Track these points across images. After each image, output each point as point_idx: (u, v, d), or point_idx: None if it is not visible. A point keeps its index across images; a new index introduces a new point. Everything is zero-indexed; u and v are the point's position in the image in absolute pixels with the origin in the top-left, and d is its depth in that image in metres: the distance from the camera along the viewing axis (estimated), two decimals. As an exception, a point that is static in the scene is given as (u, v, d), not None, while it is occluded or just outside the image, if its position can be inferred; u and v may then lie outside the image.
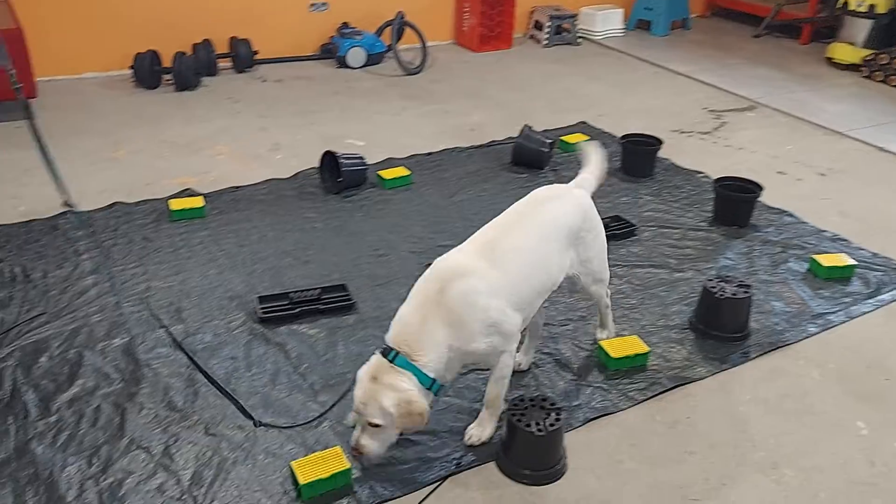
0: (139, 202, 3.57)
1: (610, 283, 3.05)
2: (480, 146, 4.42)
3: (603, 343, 2.61)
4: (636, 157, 4.07)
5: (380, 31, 5.89)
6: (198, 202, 3.53)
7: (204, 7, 5.40)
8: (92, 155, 4.07)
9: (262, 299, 2.84)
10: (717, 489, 2.10)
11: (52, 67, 5.06)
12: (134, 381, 2.44)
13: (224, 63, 5.48)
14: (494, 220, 2.30)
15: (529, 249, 2.19)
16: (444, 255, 2.16)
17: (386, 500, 2.04)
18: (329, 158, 3.82)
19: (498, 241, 2.18)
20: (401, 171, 3.93)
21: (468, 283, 2.05)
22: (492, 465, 2.16)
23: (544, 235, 2.25)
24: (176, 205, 3.49)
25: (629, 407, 2.41)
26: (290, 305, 2.83)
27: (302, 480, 2.02)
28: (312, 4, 5.83)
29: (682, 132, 4.71)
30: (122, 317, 2.76)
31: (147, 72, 5.06)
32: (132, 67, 5.08)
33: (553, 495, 2.06)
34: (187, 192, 3.67)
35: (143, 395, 2.39)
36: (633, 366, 2.58)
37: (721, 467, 2.18)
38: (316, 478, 2.03)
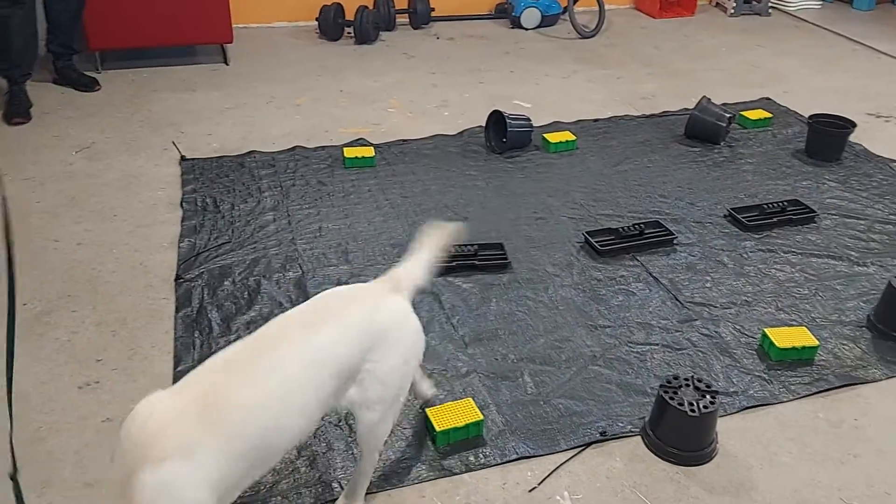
0: (317, 148, 3.78)
1: (782, 270, 2.89)
2: (652, 116, 4.27)
3: (769, 331, 2.48)
4: (824, 139, 3.77)
5: (557, -7, 5.79)
6: (369, 152, 3.69)
7: (387, -37, 5.54)
8: (278, 100, 4.34)
9: None
10: (882, 497, 1.96)
11: (247, 16, 5.43)
12: (302, 312, 2.62)
13: (402, 19, 5.62)
14: (241, 342, 1.59)
15: (270, 409, 1.49)
16: (147, 400, 1.43)
17: (524, 458, 2.08)
18: (495, 118, 3.85)
19: (227, 390, 1.44)
20: (566, 136, 3.89)
21: (167, 475, 1.33)
22: (637, 440, 2.13)
23: (304, 380, 1.55)
24: (350, 153, 3.66)
25: (790, 400, 2.28)
26: (447, 257, 2.90)
27: (437, 427, 2.10)
28: (491, -36, 5.82)
29: (880, 117, 4.30)
30: (295, 252, 2.96)
31: (331, 24, 5.30)
32: (317, 19, 5.34)
33: (700, 477, 2.01)
34: (360, 142, 3.84)
35: (309, 327, 2.56)
36: (799, 358, 2.43)
37: (889, 475, 2.03)
38: (450, 426, 2.10)
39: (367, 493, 1.91)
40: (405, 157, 3.76)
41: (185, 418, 1.38)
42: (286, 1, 5.55)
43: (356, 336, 1.64)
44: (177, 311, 2.60)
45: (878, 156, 3.80)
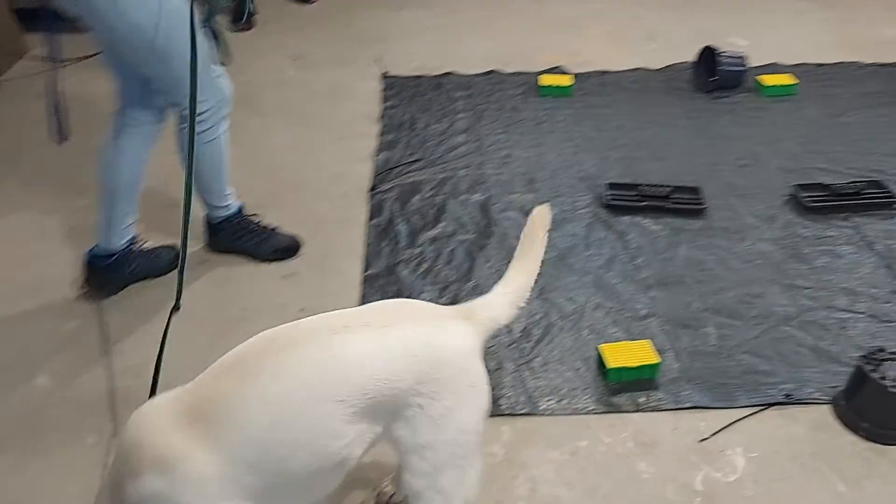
0: (513, 73, 3.75)
1: None
2: (887, 65, 3.79)
3: None
4: None
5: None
6: (566, 81, 3.60)
7: None
8: (480, 23, 4.34)
9: (610, 186, 2.86)
10: None
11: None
12: (485, 234, 2.67)
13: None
14: (258, 338, 1.36)
15: (272, 418, 1.25)
16: (141, 409, 1.29)
17: (696, 407, 2.00)
18: (707, 55, 3.60)
19: (228, 396, 1.25)
20: (784, 79, 3.56)
21: (144, 489, 1.21)
22: (825, 409, 1.99)
23: (320, 391, 1.27)
24: (545, 81, 3.60)
25: None
26: (637, 197, 2.81)
27: (610, 364, 2.07)
28: None
29: None
30: (483, 176, 2.99)
31: None
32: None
33: (893, 456, 1.85)
34: (557, 70, 3.76)
35: (490, 249, 2.60)
36: None
37: None
38: (623, 365, 2.06)
39: (531, 415, 1.95)
40: (603, 89, 3.64)
41: (170, 429, 1.22)
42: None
43: (403, 356, 1.31)
44: (369, 219, 2.74)
45: None
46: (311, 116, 3.43)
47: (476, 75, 3.74)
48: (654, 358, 2.09)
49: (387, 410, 1.31)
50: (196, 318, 2.26)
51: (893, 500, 1.75)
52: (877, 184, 2.83)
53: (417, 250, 2.60)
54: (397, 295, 2.40)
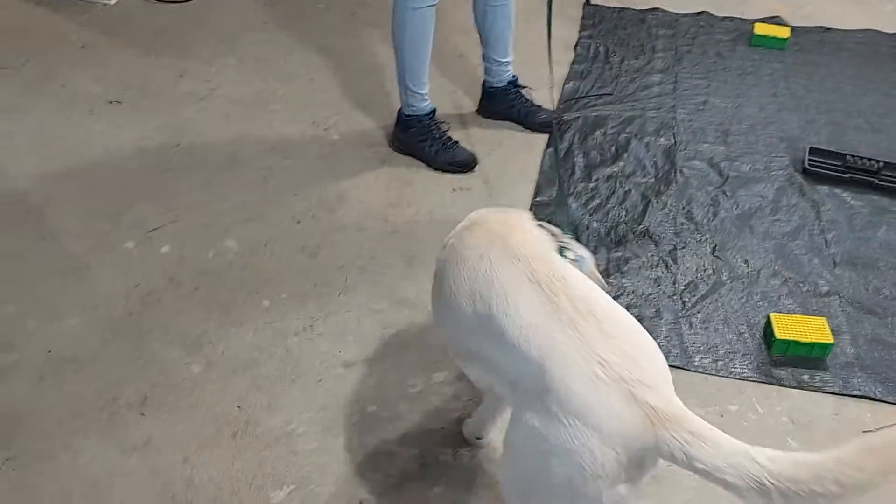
0: (725, 18, 3.49)
1: None
2: None
3: None
4: None
5: None
6: (783, 32, 3.31)
7: None
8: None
9: (813, 151, 2.64)
10: None
11: None
12: (665, 180, 2.56)
13: None
14: None
15: None
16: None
17: (865, 397, 1.86)
18: (957, 22, 3.17)
19: None
20: None
21: None
22: None
23: None
24: (760, 29, 3.32)
25: None
26: (842, 168, 2.57)
27: (778, 335, 1.95)
28: None
29: None
30: (673, 120, 2.85)
31: None
32: None
33: None
34: (775, 20, 3.45)
35: (668, 196, 2.49)
36: None
37: None
38: (792, 338, 1.94)
39: (683, 369, 1.90)
40: (823, 46, 3.31)
41: None
42: None
43: None
44: (547, 146, 2.71)
45: None
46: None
47: (684, 14, 3.52)
48: (828, 337, 1.95)
49: None
50: (364, 215, 2.38)
51: None
52: None
53: (592, 185, 2.55)
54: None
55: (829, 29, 3.44)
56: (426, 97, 2.58)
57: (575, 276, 1.27)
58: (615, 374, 1.10)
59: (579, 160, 2.66)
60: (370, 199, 2.46)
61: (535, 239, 1.35)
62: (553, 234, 1.41)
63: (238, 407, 1.80)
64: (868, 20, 3.49)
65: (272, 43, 3.29)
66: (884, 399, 1.85)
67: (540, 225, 1.42)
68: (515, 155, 2.69)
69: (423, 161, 2.60)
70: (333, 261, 2.22)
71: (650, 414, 1.08)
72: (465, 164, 2.59)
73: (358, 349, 1.95)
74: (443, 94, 2.94)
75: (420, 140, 2.59)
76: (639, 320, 1.25)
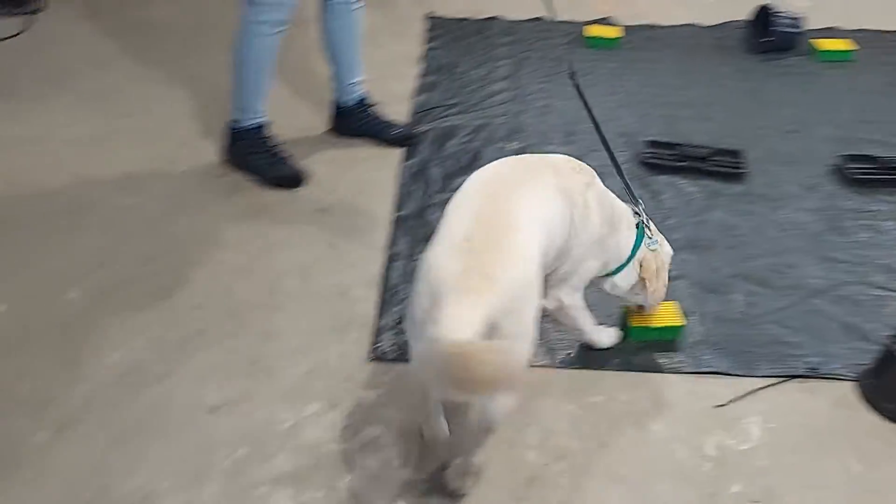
0: (560, 21, 3.65)
1: None
2: (956, 34, 3.62)
3: None
4: None
5: None
6: (614, 32, 3.50)
7: None
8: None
9: (650, 143, 2.80)
10: None
11: None
12: (518, 184, 2.63)
13: None
14: None
15: None
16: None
17: (716, 373, 1.98)
18: (762, 14, 3.46)
19: None
20: (841, 44, 3.42)
21: None
22: (848, 385, 1.95)
23: None
24: (592, 31, 3.50)
25: None
26: (676, 156, 2.75)
27: (633, 323, 2.06)
28: None
29: None
30: (521, 125, 2.94)
31: None
32: None
33: (915, 441, 1.82)
34: (606, 21, 3.65)
35: (522, 199, 2.57)
36: None
37: None
38: (646, 325, 2.05)
39: (548, 367, 1.96)
40: (652, 43, 3.53)
41: None
42: None
43: None
44: (404, 160, 2.72)
45: None
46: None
47: (521, 21, 3.66)
48: (678, 320, 2.07)
49: None
50: (218, 249, 2.30)
51: (909, 480, 1.73)
52: (930, 159, 2.73)
53: (448, 195, 2.57)
54: (426, 239, 2.39)
55: (655, 26, 3.67)
56: (260, 114, 2.55)
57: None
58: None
59: (436, 171, 2.69)
60: (224, 232, 2.38)
61: None
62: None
63: (92, 471, 1.68)
64: (690, 15, 3.76)
65: (110, 77, 3.12)
66: (732, 372, 1.98)
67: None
68: (372, 171, 2.69)
69: (255, 175, 2.56)
70: (189, 300, 2.13)
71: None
72: (291, 180, 2.56)
73: (222, 390, 1.87)
74: (295, 115, 2.90)
75: (249, 153, 2.57)
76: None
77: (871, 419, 1.87)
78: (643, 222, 1.85)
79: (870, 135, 2.91)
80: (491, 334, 1.30)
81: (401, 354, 1.97)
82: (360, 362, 1.95)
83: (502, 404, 1.47)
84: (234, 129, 2.57)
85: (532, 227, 1.49)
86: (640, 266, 1.86)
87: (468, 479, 1.62)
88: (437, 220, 2.39)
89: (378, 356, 1.96)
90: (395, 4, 3.82)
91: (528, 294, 1.42)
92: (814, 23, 3.58)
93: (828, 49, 3.40)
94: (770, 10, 3.40)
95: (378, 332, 2.03)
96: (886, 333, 1.98)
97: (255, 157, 2.57)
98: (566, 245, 1.66)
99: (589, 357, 2.02)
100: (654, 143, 2.80)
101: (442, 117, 2.97)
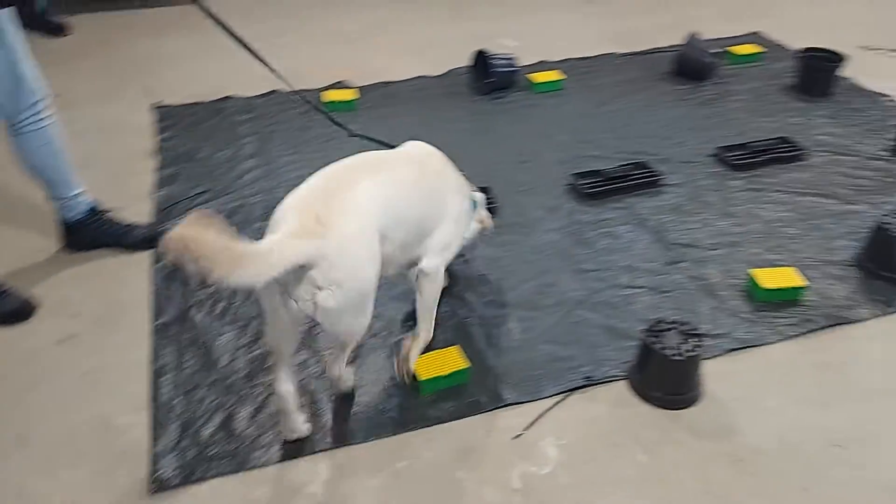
0: (296, 91, 3.66)
1: (770, 209, 2.87)
2: (639, 53, 4.16)
3: (754, 272, 2.45)
4: (814, 74, 3.69)
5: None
6: (349, 95, 3.59)
7: None
8: (256, 41, 4.18)
9: None
10: (869, 440, 1.96)
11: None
12: (284, 262, 2.58)
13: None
14: None
15: None
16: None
17: (509, 405, 2.06)
18: (480, 58, 3.74)
19: None
20: (551, 76, 3.79)
21: None
22: (622, 384, 2.12)
23: None
24: (329, 96, 3.56)
25: (777, 341, 2.27)
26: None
27: (422, 376, 2.08)
28: None
29: (871, 49, 4.20)
30: (276, 200, 2.87)
31: None
32: (294, -44, 5.13)
33: (685, 420, 2.01)
34: (341, 85, 3.73)
35: (291, 277, 2.51)
36: (786, 299, 2.42)
37: (874, 416, 2.03)
38: (435, 375, 2.08)
39: (347, 445, 1.91)
40: (388, 99, 3.66)
41: None
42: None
43: None
44: (154, 262, 2.55)
45: (869, 90, 3.73)
46: (79, 159, 3.10)
47: (258, 96, 3.63)
48: (463, 363, 2.12)
49: None
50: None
51: (688, 460, 1.90)
52: (642, 164, 3.09)
53: (211, 289, 2.46)
54: (193, 342, 2.26)
55: (389, 82, 3.82)
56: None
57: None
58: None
59: (192, 267, 2.54)
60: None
61: None
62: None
63: None
64: (418, 67, 3.96)
65: None
66: (521, 401, 2.07)
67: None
68: (120, 282, 2.48)
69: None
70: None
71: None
72: (17, 314, 2.31)
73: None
74: (13, 243, 2.61)
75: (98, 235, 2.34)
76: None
77: (645, 410, 2.04)
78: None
79: (589, 152, 3.23)
80: (311, 271, 1.62)
81: (188, 475, 1.81)
82: (140, 499, 1.76)
83: (344, 323, 1.76)
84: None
85: (371, 203, 1.76)
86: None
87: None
88: (203, 320, 2.31)
89: (161, 486, 1.79)
90: (121, 95, 3.61)
91: (356, 251, 1.70)
92: (526, 59, 3.94)
93: (541, 81, 3.75)
94: (486, 53, 3.69)
95: (155, 459, 1.85)
96: (640, 328, 2.18)
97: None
98: (425, 222, 1.99)
99: (387, 424, 1.99)
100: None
101: (190, 208, 2.83)
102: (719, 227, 2.77)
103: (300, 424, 1.91)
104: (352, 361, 2.08)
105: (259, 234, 2.66)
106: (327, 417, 2.00)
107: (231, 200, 2.88)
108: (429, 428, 1.99)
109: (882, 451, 1.94)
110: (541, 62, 4.00)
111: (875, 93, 3.70)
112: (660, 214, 2.84)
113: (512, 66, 3.73)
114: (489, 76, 3.67)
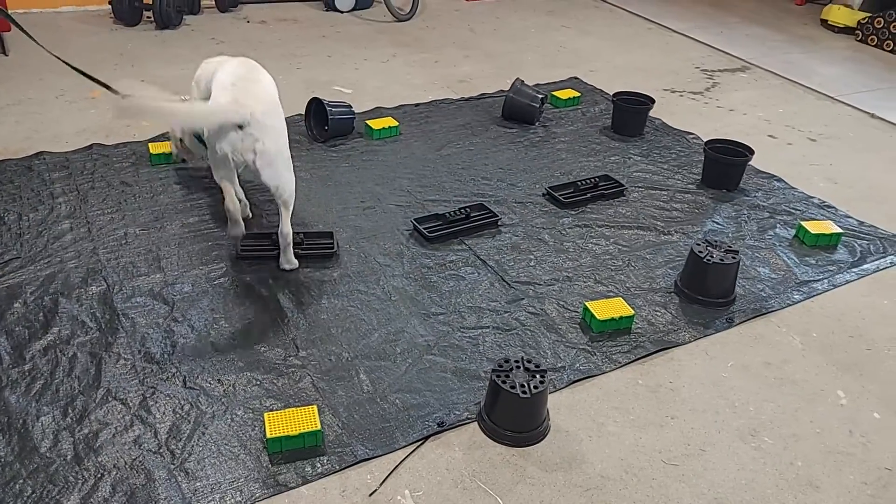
0: (118, 144, 3.46)
1: (598, 243, 3.04)
2: (470, 98, 4.32)
3: (589, 304, 2.59)
4: (627, 115, 4.01)
5: (369, -25, 5.71)
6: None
7: (186, -59, 5.17)
8: (69, 93, 3.92)
9: (244, 237, 2.78)
10: (697, 455, 2.11)
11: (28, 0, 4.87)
12: (111, 330, 2.39)
13: (207, 2, 5.29)
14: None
15: None
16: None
17: (363, 461, 2.02)
18: (316, 106, 3.72)
19: None
20: (389, 122, 3.84)
21: None
22: (474, 426, 2.15)
23: None
24: (155, 148, 3.38)
25: (613, 370, 2.40)
26: (270, 245, 2.79)
27: (269, 434, 1.99)
28: (300, -57, 5.62)
29: (674, 91, 4.64)
30: (99, 263, 2.68)
31: (126, 7, 4.87)
32: (111, 2, 4.88)
33: (535, 456, 2.06)
34: (166, 136, 3.56)
35: (119, 345, 2.34)
36: (618, 328, 2.57)
37: (702, 432, 2.19)
38: (283, 434, 2.00)
39: (196, 523, 1.79)
40: (219, 150, 3.53)
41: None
42: (72, -18, 5.02)
43: None
44: (-42, 342, 2.28)
45: (675, 129, 4.10)
46: None
47: (74, 152, 3.38)
48: (315, 424, 2.05)
49: None
50: None
51: (543, 496, 1.95)
52: (481, 206, 3.18)
53: (27, 366, 2.23)
54: (7, 428, 2.02)
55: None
56: None
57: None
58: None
59: (3, 343, 2.30)
60: None
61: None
62: None
63: None
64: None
65: None
66: (374, 455, 2.03)
67: None
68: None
69: None
70: None
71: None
72: None
73: None
74: None
75: None
76: (130, 493, 1.73)
77: (498, 451, 2.08)
78: None
79: (429, 196, 3.30)
80: (247, 128, 2.44)
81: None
82: None
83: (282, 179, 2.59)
84: None
85: (273, 91, 2.66)
86: None
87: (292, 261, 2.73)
88: (19, 399, 2.08)
89: None
90: None
91: (277, 114, 2.59)
92: (361, 106, 3.97)
93: (379, 128, 3.78)
94: (322, 101, 3.67)
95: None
96: (488, 368, 2.22)
97: None
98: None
99: (234, 496, 1.88)
100: (246, 236, 2.79)
101: (1, 277, 2.56)
102: (554, 263, 2.91)
103: (242, 229, 2.62)
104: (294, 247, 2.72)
105: (80, 302, 2.47)
106: (167, 496, 1.86)
107: (46, 266, 2.65)
108: (279, 496, 1.90)
109: (708, 463, 2.09)
110: (377, 108, 4.05)
111: (681, 131, 4.07)
112: (500, 254, 2.94)
113: (348, 113, 3.74)
114: (326, 124, 3.66)
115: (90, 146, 3.42)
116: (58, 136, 3.47)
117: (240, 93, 2.48)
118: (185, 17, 5.08)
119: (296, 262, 2.74)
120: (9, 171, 3.18)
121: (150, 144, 3.41)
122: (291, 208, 2.65)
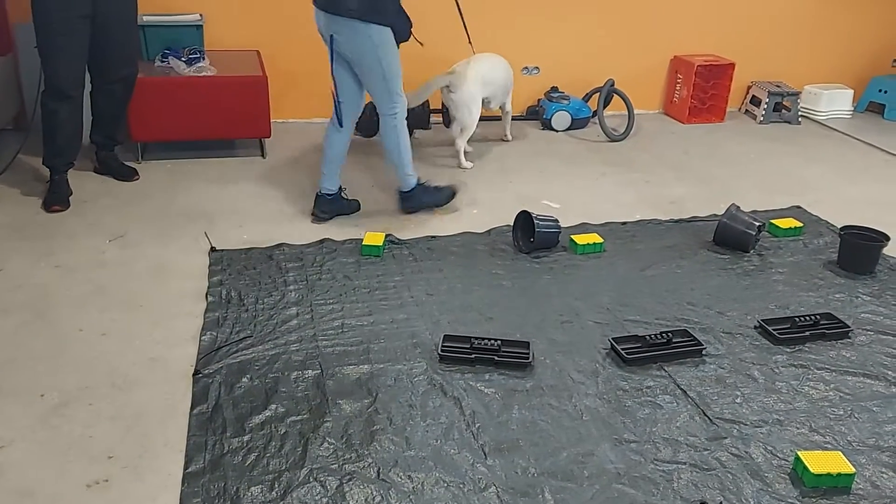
0: (346, 240, 3.82)
1: (815, 387, 2.80)
2: (680, 221, 4.25)
3: (803, 454, 2.36)
4: (856, 251, 3.71)
5: (587, 97, 5.92)
6: (379, 240, 3.71)
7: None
8: (312, 192, 4.42)
9: (446, 338, 2.93)
10: None
11: (286, 111, 5.63)
12: (320, 413, 2.58)
13: (436, 118, 5.77)
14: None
15: None
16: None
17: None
18: (523, 218, 3.87)
19: None
20: (593, 238, 3.88)
21: None
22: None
23: None
24: (368, 239, 3.69)
25: (827, 533, 2.15)
26: (469, 350, 2.88)
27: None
28: (525, 68, 6.00)
29: (915, 228, 4.22)
30: (317, 349, 2.93)
31: (366, 121, 5.44)
32: (353, 116, 5.49)
33: None
34: (389, 238, 3.86)
35: (325, 429, 2.50)
36: (835, 486, 2.31)
37: None
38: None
39: None
40: (432, 253, 3.77)
41: None
42: (324, 98, 5.73)
43: None
44: (192, 408, 2.57)
45: (915, 270, 3.71)
46: (131, 298, 3.25)
47: (308, 245, 3.77)
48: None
49: None
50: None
51: None
52: (684, 332, 3.08)
53: (246, 438, 2.46)
54: (223, 493, 2.22)
55: (434, 237, 3.94)
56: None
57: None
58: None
59: (229, 414, 2.56)
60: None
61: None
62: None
63: None
64: (462, 224, 4.10)
65: None
66: (553, 580, 1.97)
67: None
68: (157, 424, 2.49)
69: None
70: None
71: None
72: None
73: None
74: (51, 385, 2.65)
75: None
76: None
77: None
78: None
79: (630, 316, 3.24)
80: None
81: None
82: None
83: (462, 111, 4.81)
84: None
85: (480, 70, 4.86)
86: None
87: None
88: (235, 469, 2.29)
89: None
90: (179, 238, 3.79)
91: (471, 83, 4.80)
92: (568, 221, 4.06)
93: (583, 243, 3.83)
94: (530, 214, 3.81)
95: None
96: (682, 509, 2.09)
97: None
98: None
99: None
100: (449, 338, 2.93)
101: (234, 353, 2.88)
102: (763, 403, 2.71)
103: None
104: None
105: (296, 384, 2.70)
106: None
107: (271, 348, 2.93)
108: None
109: None
110: (583, 224, 4.12)
111: (920, 272, 3.68)
112: (702, 386, 2.79)
113: (554, 226, 3.84)
114: (532, 235, 3.78)
115: (322, 240, 3.80)
116: (298, 231, 3.89)
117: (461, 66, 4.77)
118: (415, 130, 5.57)
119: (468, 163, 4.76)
120: (254, 258, 3.61)
121: (366, 233, 3.73)
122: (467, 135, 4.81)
